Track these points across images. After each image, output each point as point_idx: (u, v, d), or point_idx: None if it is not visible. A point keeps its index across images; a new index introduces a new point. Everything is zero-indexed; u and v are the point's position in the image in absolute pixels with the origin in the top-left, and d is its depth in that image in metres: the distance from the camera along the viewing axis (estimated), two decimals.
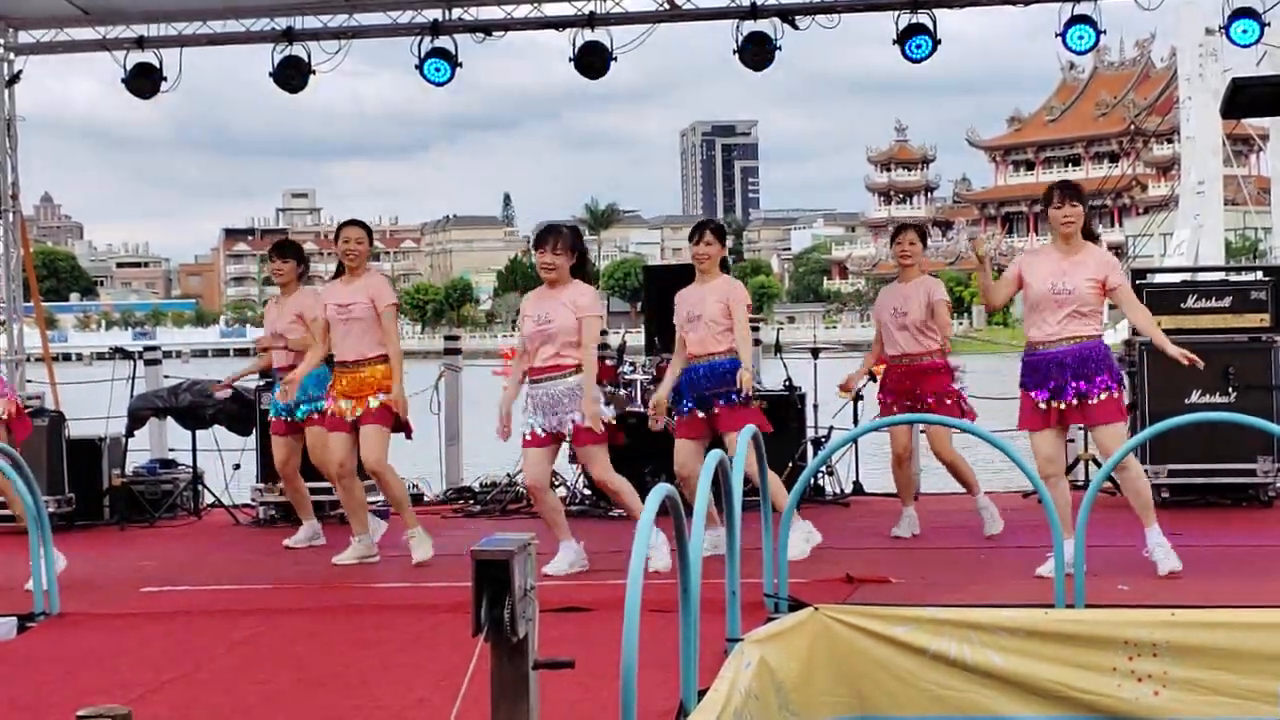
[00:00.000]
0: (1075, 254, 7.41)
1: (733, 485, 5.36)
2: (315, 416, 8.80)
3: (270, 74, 11.73)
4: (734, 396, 7.96)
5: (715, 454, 5.20)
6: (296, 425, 9.01)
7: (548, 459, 8.00)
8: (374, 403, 8.13)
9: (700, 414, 8.07)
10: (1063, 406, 7.31)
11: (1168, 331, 9.63)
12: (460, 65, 11.58)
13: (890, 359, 8.80)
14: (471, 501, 11.07)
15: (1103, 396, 7.28)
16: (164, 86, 11.90)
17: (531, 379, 7.87)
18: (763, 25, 11.27)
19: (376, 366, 8.19)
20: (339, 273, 8.43)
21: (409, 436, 8.55)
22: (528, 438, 7.88)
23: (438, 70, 11.52)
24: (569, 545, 7.91)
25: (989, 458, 16.80)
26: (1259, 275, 10.25)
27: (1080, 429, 9.30)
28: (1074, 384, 7.28)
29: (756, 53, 11.31)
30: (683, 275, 9.81)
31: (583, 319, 7.76)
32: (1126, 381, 7.63)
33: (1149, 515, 7.30)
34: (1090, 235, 7.56)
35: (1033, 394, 7.39)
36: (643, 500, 4.21)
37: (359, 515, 8.45)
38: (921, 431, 9.14)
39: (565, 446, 8.12)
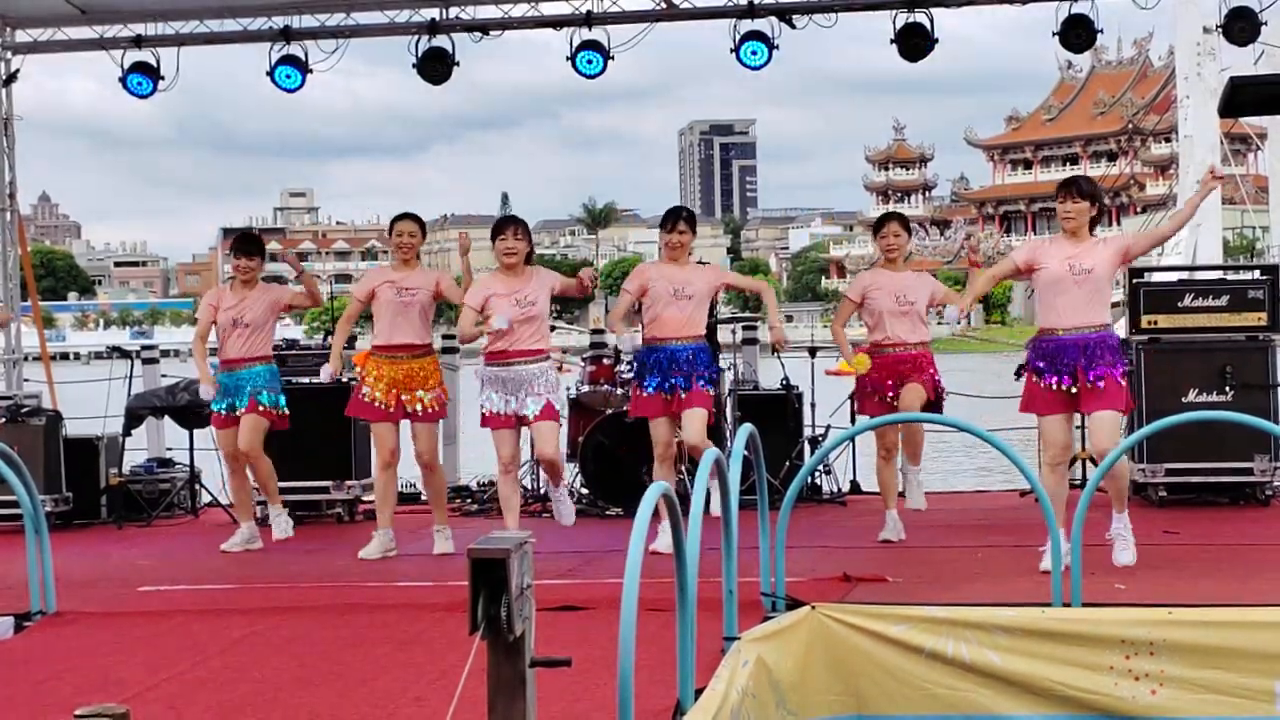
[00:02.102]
0: (1085, 242, 7.44)
1: (729, 483, 5.35)
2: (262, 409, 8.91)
3: (267, 73, 11.73)
4: (704, 380, 8.26)
5: (713, 452, 5.20)
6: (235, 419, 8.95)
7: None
8: (426, 397, 8.44)
9: (666, 395, 8.25)
10: (1073, 390, 7.33)
11: (1165, 330, 9.73)
12: (458, 64, 11.59)
13: (877, 345, 8.67)
14: (469, 501, 11.07)
15: (1105, 383, 7.30)
16: (161, 85, 11.90)
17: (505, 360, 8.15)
18: (760, 24, 11.28)
19: (429, 355, 8.56)
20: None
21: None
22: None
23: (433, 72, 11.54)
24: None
25: (991, 457, 16.73)
26: (1256, 274, 10.24)
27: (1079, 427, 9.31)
28: (1084, 367, 7.30)
29: (754, 51, 11.32)
30: None
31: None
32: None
33: (1122, 502, 7.44)
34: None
35: (1041, 379, 7.41)
36: (638, 500, 4.21)
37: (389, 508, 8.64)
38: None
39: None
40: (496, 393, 8.16)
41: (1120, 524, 7.43)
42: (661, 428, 8.32)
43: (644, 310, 8.44)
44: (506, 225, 8.34)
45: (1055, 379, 7.36)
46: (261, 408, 8.91)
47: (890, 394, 8.61)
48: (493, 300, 8.15)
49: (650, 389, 8.28)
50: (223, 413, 8.98)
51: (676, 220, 8.38)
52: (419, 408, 8.45)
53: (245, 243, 9.29)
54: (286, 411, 9.08)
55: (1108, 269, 7.38)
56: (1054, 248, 7.51)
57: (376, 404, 8.45)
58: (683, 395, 8.22)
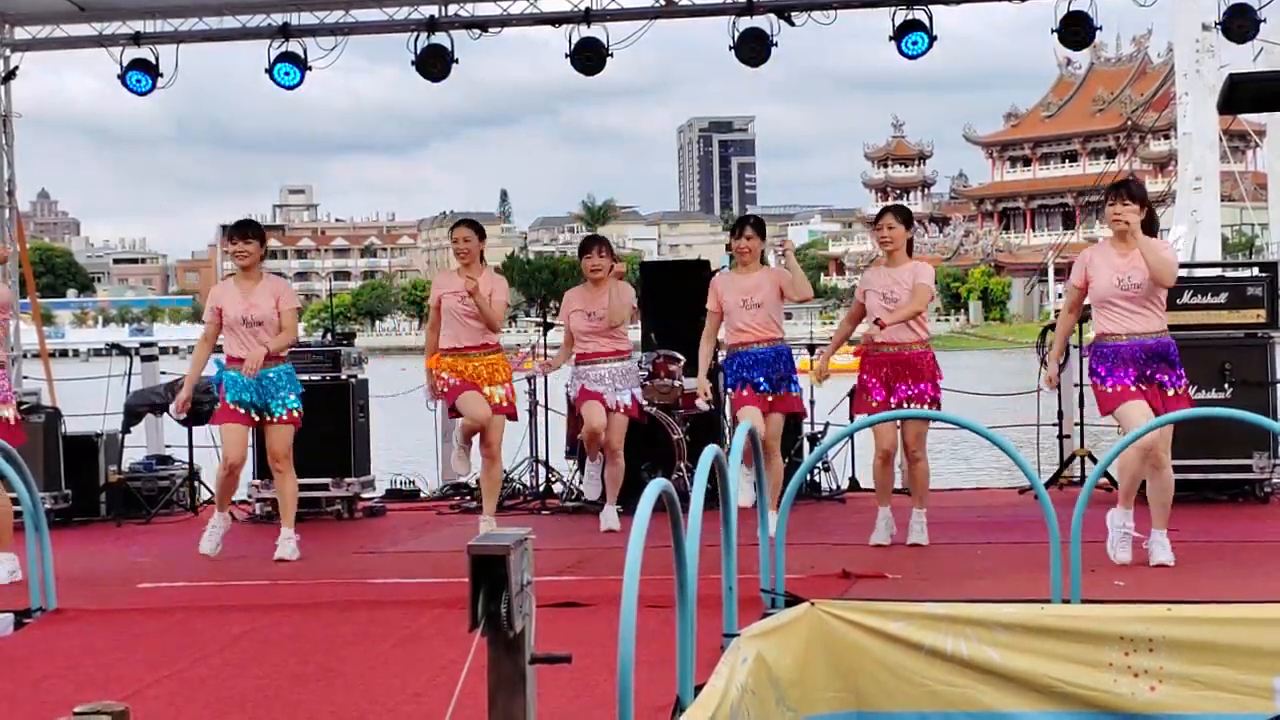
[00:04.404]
0: (1133, 250, 7.37)
1: (729, 480, 5.36)
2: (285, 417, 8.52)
3: (266, 70, 11.72)
4: (788, 383, 8.76)
5: (712, 449, 5.20)
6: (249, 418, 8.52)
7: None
8: (499, 392, 8.86)
9: (769, 395, 8.68)
10: (1143, 387, 7.32)
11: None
12: (457, 61, 11.58)
13: (872, 345, 8.37)
14: (468, 497, 11.06)
15: (1175, 391, 7.37)
16: (160, 83, 11.89)
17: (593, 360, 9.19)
18: (759, 21, 11.27)
19: (496, 354, 8.98)
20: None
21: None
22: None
23: (434, 68, 11.52)
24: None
25: (991, 455, 16.71)
26: (1255, 271, 10.25)
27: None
28: (1152, 374, 7.33)
29: (753, 49, 11.30)
30: (680, 271, 9.85)
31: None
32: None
33: (1164, 518, 7.42)
34: (1150, 230, 7.49)
35: (1110, 382, 7.36)
36: (637, 498, 4.21)
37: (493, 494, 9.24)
38: (897, 426, 8.47)
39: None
40: (584, 382, 9.21)
41: (1156, 540, 7.39)
42: (756, 421, 8.41)
43: (725, 321, 8.91)
44: (592, 245, 9.32)
45: (1115, 383, 7.35)
46: (287, 415, 8.49)
47: (878, 396, 8.32)
48: (573, 316, 9.20)
49: (741, 390, 8.72)
50: (232, 404, 8.44)
51: (744, 226, 8.97)
52: (494, 401, 8.80)
53: (241, 226, 8.73)
54: (301, 410, 8.61)
55: (1153, 287, 7.38)
56: (1101, 257, 7.48)
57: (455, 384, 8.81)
58: (770, 397, 8.69)
